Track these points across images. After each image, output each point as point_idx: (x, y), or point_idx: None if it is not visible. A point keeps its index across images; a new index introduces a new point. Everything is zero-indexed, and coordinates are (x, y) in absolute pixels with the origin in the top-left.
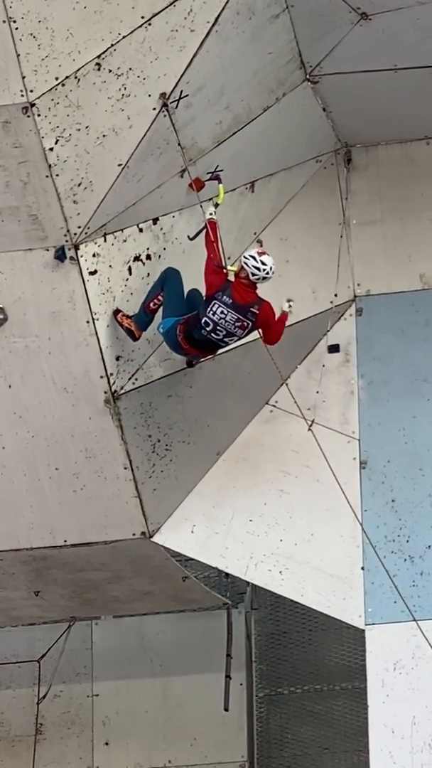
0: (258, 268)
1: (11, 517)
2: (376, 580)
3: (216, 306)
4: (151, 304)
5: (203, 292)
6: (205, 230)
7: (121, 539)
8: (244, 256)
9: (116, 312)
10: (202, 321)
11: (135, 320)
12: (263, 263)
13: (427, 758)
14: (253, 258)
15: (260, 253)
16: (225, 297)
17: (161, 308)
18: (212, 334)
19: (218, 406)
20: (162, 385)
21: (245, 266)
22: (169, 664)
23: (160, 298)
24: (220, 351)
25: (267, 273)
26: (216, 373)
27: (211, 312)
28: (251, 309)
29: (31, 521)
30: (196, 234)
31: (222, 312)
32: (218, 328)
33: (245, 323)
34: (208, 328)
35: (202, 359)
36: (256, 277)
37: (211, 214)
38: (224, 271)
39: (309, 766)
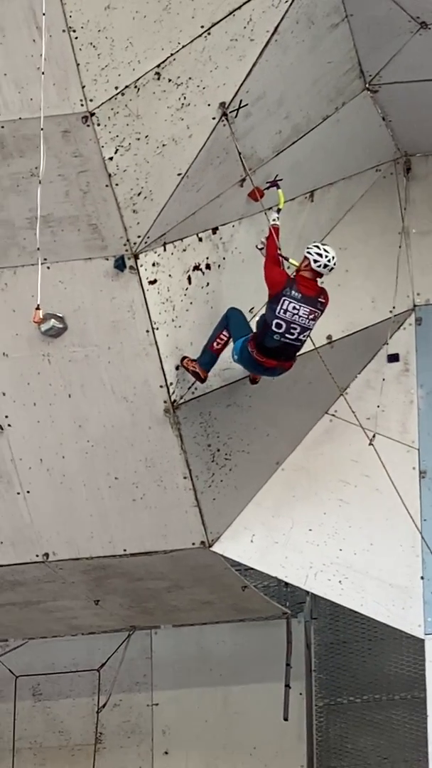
0: (320, 255)
1: (71, 527)
2: None
3: (286, 302)
4: (215, 344)
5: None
6: (268, 236)
7: (181, 548)
8: (308, 247)
9: (182, 359)
10: (273, 325)
11: (199, 362)
12: (326, 251)
13: None
14: (316, 246)
15: (323, 243)
16: (293, 292)
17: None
18: (286, 336)
19: (278, 415)
20: (221, 394)
21: (308, 255)
22: (229, 673)
23: (222, 336)
24: (298, 354)
25: (329, 260)
26: (275, 382)
27: (282, 311)
28: (319, 299)
29: (91, 530)
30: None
31: (294, 308)
32: (292, 326)
33: (317, 313)
34: (280, 330)
35: (284, 370)
36: (318, 264)
37: (274, 219)
38: (285, 261)
39: None
